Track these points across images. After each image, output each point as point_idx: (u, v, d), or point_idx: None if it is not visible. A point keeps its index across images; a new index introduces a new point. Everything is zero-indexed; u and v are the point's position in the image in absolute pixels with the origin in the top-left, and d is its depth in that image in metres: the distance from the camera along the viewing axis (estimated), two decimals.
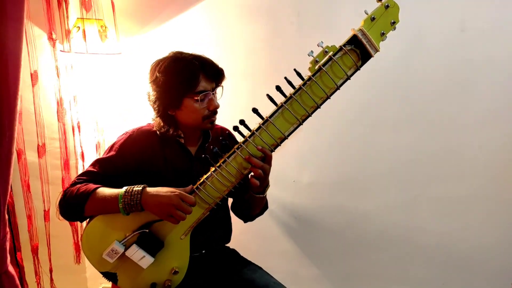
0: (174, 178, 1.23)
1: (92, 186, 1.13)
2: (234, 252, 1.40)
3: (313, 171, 1.91)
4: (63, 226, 1.68)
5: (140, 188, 1.10)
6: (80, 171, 1.71)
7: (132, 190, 1.10)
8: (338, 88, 1.11)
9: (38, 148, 1.44)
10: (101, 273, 1.16)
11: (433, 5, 1.67)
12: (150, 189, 1.11)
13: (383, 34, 1.10)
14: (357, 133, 1.85)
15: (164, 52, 1.76)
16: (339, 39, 1.65)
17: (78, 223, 1.74)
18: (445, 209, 1.81)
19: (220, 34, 1.85)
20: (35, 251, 1.46)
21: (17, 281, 1.12)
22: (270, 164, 1.14)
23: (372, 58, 1.11)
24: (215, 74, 1.24)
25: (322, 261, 1.98)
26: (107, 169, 1.20)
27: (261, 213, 1.38)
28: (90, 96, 1.69)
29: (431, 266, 1.88)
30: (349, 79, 1.11)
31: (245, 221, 1.41)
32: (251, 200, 1.25)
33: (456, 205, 1.80)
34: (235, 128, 1.11)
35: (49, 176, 1.50)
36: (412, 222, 1.86)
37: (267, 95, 1.10)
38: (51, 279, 1.55)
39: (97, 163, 1.22)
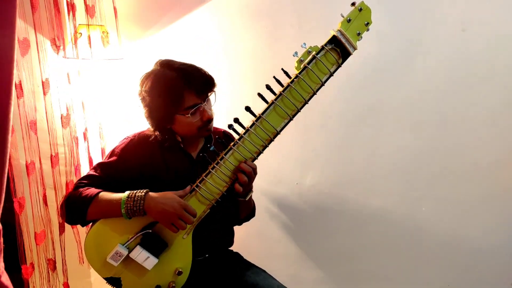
0: (176, 182, 1.24)
1: (94, 190, 1.15)
2: (237, 255, 1.41)
3: (316, 173, 1.91)
4: (66, 232, 1.65)
5: (143, 193, 1.12)
6: None
7: (135, 195, 1.12)
8: (323, 84, 1.20)
9: (51, 158, 1.42)
10: (105, 279, 1.16)
11: (433, 4, 1.67)
12: (153, 195, 1.13)
13: (359, 34, 1.22)
14: (360, 134, 1.85)
15: (165, 57, 1.77)
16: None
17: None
18: (450, 210, 1.79)
19: (220, 37, 1.88)
20: (52, 265, 1.42)
21: None
22: (256, 173, 1.18)
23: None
24: (203, 87, 1.22)
25: (325, 263, 1.96)
26: (109, 173, 1.22)
27: (247, 219, 1.43)
28: (93, 102, 1.69)
29: (435, 267, 1.84)
30: (332, 75, 1.21)
31: (232, 225, 1.44)
32: (235, 204, 1.31)
33: (461, 205, 1.78)
34: (230, 126, 1.16)
35: (62, 185, 1.48)
36: (416, 223, 1.83)
37: (258, 93, 1.18)
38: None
39: (98, 167, 1.23)
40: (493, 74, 1.67)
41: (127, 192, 1.14)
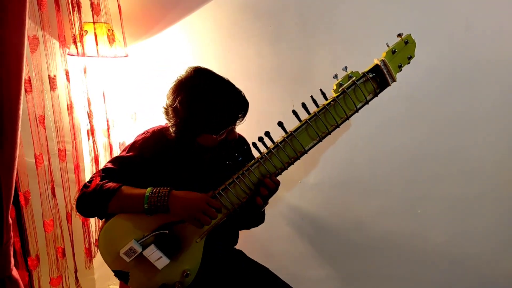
0: (188, 181, 1.24)
1: (115, 184, 1.13)
2: (240, 253, 1.43)
3: (319, 172, 1.91)
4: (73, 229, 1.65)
5: (167, 190, 1.12)
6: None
7: (159, 191, 1.11)
8: (357, 111, 1.20)
9: (59, 152, 1.41)
10: (114, 271, 1.16)
11: (437, 3, 1.66)
12: (177, 192, 1.13)
13: (400, 66, 1.21)
14: (363, 133, 1.85)
15: (169, 55, 1.70)
16: (342, 40, 1.76)
17: (91, 227, 1.72)
18: (452, 209, 1.80)
19: (224, 36, 1.87)
20: (61, 252, 1.42)
21: (21, 286, 1.08)
22: (277, 188, 1.18)
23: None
24: (241, 113, 1.21)
25: (328, 262, 1.98)
26: (126, 168, 1.21)
27: (256, 225, 1.43)
28: (98, 99, 1.69)
29: (437, 267, 1.86)
30: (368, 103, 1.21)
31: (240, 230, 1.46)
32: (250, 214, 1.30)
33: (462, 206, 1.79)
34: (260, 139, 1.16)
35: (69, 180, 1.47)
36: (418, 222, 1.85)
37: (293, 111, 1.17)
38: (76, 279, 1.51)
39: (117, 161, 1.22)
40: (495, 74, 1.67)
41: (149, 188, 1.13)
